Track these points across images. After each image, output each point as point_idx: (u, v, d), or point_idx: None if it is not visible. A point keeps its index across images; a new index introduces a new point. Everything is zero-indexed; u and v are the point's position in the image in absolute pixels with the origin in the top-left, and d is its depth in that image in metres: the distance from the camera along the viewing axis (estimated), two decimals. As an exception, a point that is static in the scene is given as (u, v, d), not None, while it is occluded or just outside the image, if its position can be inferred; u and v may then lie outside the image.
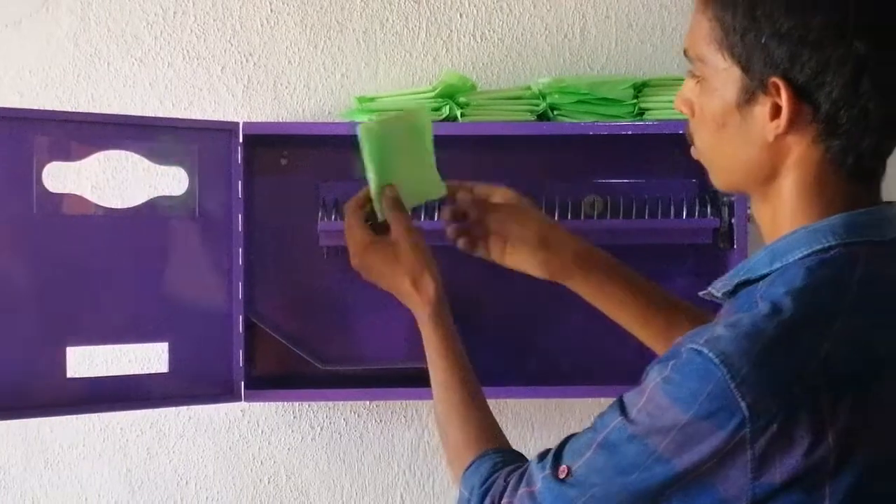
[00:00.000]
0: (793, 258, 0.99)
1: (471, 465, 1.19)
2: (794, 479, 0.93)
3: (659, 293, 1.38)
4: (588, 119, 1.57)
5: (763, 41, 0.95)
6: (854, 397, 0.93)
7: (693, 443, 0.93)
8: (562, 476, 1.03)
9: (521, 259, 1.36)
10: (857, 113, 0.95)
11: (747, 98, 0.99)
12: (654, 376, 0.97)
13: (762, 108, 0.98)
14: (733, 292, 1.03)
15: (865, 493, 0.96)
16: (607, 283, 1.36)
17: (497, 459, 1.18)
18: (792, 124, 0.97)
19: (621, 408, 0.99)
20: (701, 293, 1.09)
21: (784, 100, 0.96)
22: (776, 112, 0.97)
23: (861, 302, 0.96)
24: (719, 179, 1.08)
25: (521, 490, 1.07)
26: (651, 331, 1.38)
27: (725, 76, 1.00)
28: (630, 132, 1.54)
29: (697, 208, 1.59)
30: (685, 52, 1.05)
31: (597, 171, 1.67)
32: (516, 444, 1.71)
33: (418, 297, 1.30)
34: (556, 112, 1.58)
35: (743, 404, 0.90)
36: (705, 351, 0.92)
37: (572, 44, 1.72)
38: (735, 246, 1.54)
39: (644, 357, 1.65)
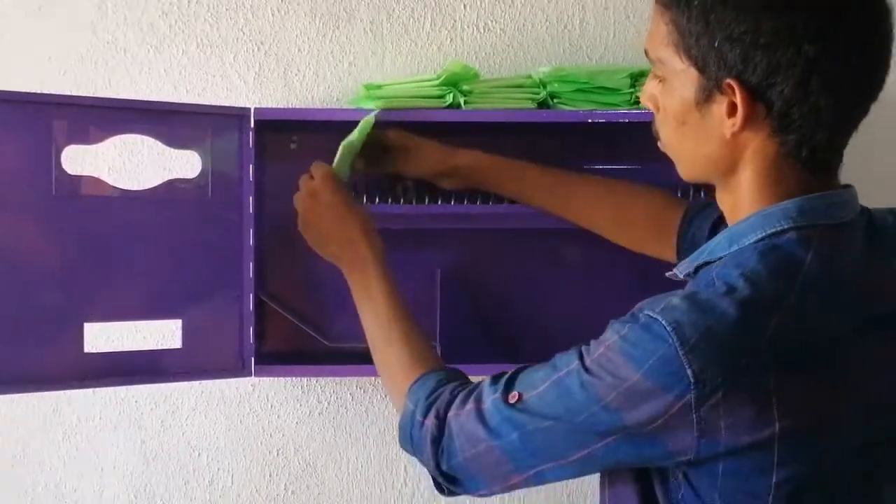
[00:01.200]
0: (748, 241, 1.02)
1: (417, 381, 1.22)
2: (739, 446, 0.96)
3: (554, 173, 1.53)
4: (587, 107, 1.57)
5: (717, 45, 0.97)
6: (802, 375, 0.96)
7: (639, 400, 0.96)
8: (512, 401, 1.06)
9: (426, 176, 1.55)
10: (808, 110, 0.97)
11: (705, 97, 1.01)
12: (612, 333, 1.01)
13: (719, 107, 1.01)
14: (695, 273, 1.06)
15: (812, 469, 0.99)
16: (505, 182, 1.53)
17: (442, 376, 1.21)
18: (747, 121, 1.00)
19: (580, 355, 1.03)
20: (667, 274, 1.11)
21: (739, 99, 0.98)
22: (732, 110, 1.00)
23: (812, 283, 0.98)
24: (683, 171, 1.12)
25: (470, 405, 1.11)
26: (558, 205, 1.53)
27: (684, 77, 1.03)
28: (627, 120, 1.54)
29: (692, 193, 1.58)
30: (646, 53, 1.09)
31: (595, 157, 1.67)
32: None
33: (370, 250, 1.36)
34: (555, 100, 1.58)
35: (689, 371, 0.93)
36: (660, 319, 0.96)
37: (572, 34, 1.72)
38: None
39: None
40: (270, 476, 1.74)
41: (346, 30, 1.69)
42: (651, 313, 0.97)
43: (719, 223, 1.30)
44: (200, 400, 1.72)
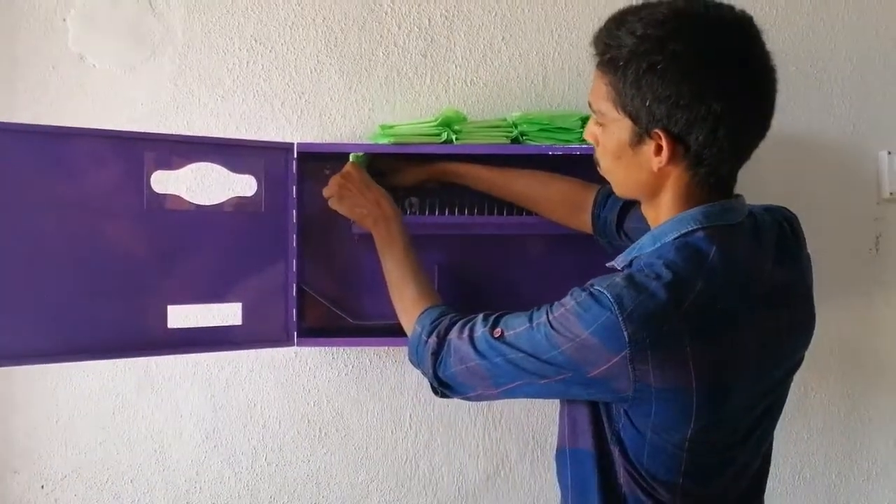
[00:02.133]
0: (668, 239, 1.03)
1: (425, 311, 1.22)
2: (665, 393, 0.97)
3: (498, 169, 1.51)
4: (548, 142, 1.57)
5: (647, 104, 0.97)
6: (710, 341, 0.97)
7: (587, 352, 0.97)
8: (496, 335, 1.07)
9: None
10: (716, 151, 0.99)
11: (637, 141, 1.02)
12: (570, 299, 1.01)
13: (648, 147, 1.01)
14: (630, 265, 1.06)
15: (718, 419, 1.00)
16: (465, 179, 1.52)
17: (444, 309, 1.22)
18: (670, 159, 1.00)
19: (547, 312, 1.03)
20: (607, 264, 1.11)
21: (664, 143, 0.99)
22: (658, 150, 1.00)
23: (715, 270, 0.98)
24: (618, 191, 1.12)
25: (465, 332, 1.12)
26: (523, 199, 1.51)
27: (620, 124, 1.03)
28: (578, 152, 1.54)
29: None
30: (589, 105, 1.07)
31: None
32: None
33: (393, 210, 1.38)
34: (524, 137, 1.59)
35: (625, 333, 0.95)
36: (606, 292, 0.97)
37: (537, 87, 1.73)
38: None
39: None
40: (308, 421, 1.74)
41: (366, 83, 1.70)
42: (600, 288, 0.98)
43: (626, 208, 1.33)
44: (256, 364, 1.72)
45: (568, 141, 1.58)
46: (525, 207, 1.56)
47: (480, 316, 1.13)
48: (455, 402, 1.73)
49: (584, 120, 1.59)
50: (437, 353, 1.15)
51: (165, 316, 1.42)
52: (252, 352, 1.70)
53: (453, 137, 1.55)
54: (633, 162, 1.03)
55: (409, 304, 1.27)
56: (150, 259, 1.42)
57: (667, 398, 0.97)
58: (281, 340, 1.55)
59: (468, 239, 1.68)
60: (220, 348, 1.54)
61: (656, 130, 0.98)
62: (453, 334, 1.14)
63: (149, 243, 1.42)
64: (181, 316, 1.45)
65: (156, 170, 1.41)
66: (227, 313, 1.51)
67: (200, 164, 1.47)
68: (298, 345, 1.56)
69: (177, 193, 1.45)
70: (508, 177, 1.54)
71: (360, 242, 1.61)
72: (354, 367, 1.73)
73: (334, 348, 1.72)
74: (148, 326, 1.40)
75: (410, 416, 1.75)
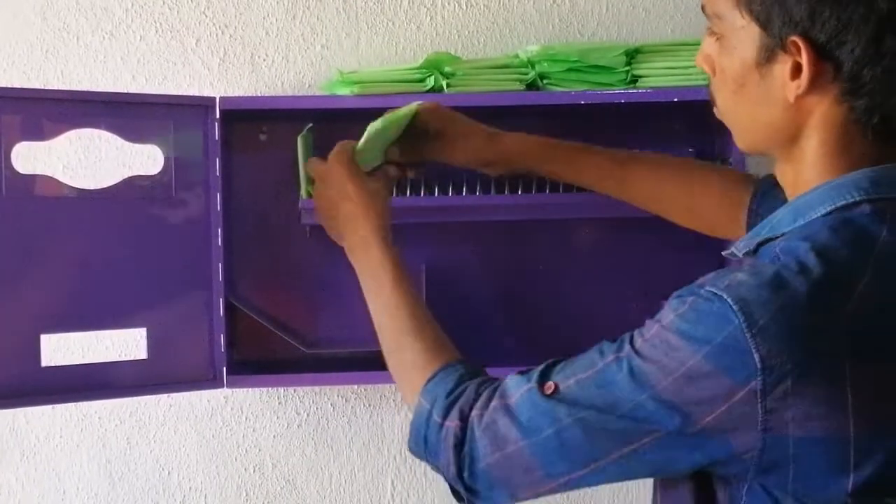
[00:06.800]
0: (816, 214, 0.99)
1: (434, 376, 1.15)
2: (810, 443, 0.93)
3: (610, 154, 1.45)
4: (579, 87, 1.57)
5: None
6: (881, 364, 0.93)
7: (696, 388, 0.93)
8: (548, 392, 1.02)
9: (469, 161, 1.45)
10: (880, 72, 0.96)
11: (766, 57, 1.00)
12: (668, 311, 0.97)
13: (782, 67, 0.99)
14: (755, 251, 1.03)
15: (893, 471, 0.94)
16: (555, 168, 1.47)
17: (463, 371, 1.14)
18: (813, 84, 0.97)
19: (630, 338, 0.99)
20: (724, 253, 1.08)
21: (804, 59, 0.96)
22: (797, 71, 0.98)
23: (887, 262, 0.95)
24: (741, 141, 1.09)
25: (496, 401, 1.06)
26: (612, 186, 1.47)
27: (744, 34, 1.01)
28: (623, 100, 1.54)
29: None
30: (703, 8, 1.06)
31: (589, 141, 1.62)
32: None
33: (367, 220, 1.29)
34: (545, 81, 1.59)
35: (756, 356, 0.90)
36: (724, 296, 0.92)
37: (561, 9, 1.72)
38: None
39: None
40: (247, 495, 1.74)
41: (316, 10, 1.69)
42: (715, 290, 0.94)
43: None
44: (169, 414, 1.72)
45: (608, 85, 1.58)
46: (652, 212, 1.49)
47: (514, 374, 1.08)
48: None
49: (630, 54, 1.58)
50: (461, 444, 1.08)
51: (37, 349, 1.41)
52: (163, 398, 1.69)
53: (443, 83, 1.56)
54: (760, 92, 1.02)
55: (408, 366, 1.21)
56: (13, 268, 1.41)
57: (811, 452, 0.93)
58: (204, 380, 1.55)
59: (469, 228, 1.68)
60: (118, 394, 1.53)
61: (793, 38, 0.97)
62: (478, 409, 1.07)
63: (9, 245, 1.41)
64: (60, 348, 1.44)
65: (19, 140, 1.41)
66: (126, 344, 1.52)
67: (81, 130, 1.47)
68: (229, 385, 1.56)
69: (49, 174, 1.45)
70: (627, 168, 1.47)
71: (314, 237, 1.61)
72: (311, 414, 1.74)
73: (281, 389, 1.72)
74: (12, 365, 1.40)
75: (393, 482, 1.75)
